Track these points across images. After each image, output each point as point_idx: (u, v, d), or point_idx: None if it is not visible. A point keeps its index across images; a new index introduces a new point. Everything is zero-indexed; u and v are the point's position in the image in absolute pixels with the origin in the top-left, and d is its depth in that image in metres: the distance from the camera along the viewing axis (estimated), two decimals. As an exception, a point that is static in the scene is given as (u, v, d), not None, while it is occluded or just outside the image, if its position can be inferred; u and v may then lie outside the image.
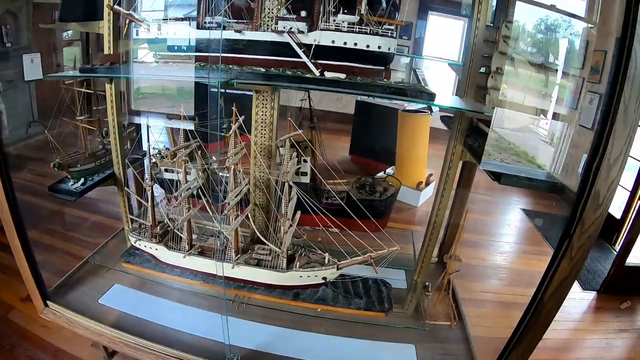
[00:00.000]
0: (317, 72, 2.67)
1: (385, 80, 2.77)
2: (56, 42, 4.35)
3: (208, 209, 3.25)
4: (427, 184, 6.18)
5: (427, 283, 3.96)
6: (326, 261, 3.24)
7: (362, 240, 3.13)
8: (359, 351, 3.34)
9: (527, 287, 5.08)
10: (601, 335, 4.83)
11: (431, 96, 2.60)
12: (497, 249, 5.77)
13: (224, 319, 3.15)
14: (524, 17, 2.94)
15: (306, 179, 3.59)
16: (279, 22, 2.71)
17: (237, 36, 2.76)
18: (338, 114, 7.64)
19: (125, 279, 3.84)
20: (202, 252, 3.45)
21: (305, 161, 3.55)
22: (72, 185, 3.66)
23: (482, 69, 3.18)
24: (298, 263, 3.23)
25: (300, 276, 3.24)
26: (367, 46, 2.67)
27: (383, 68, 2.80)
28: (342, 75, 2.62)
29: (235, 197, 3.15)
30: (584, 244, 2.34)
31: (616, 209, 6.20)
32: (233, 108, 2.96)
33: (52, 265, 4.07)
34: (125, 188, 3.74)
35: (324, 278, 3.26)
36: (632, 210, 5.93)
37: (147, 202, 3.51)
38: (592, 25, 2.87)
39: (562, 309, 5.23)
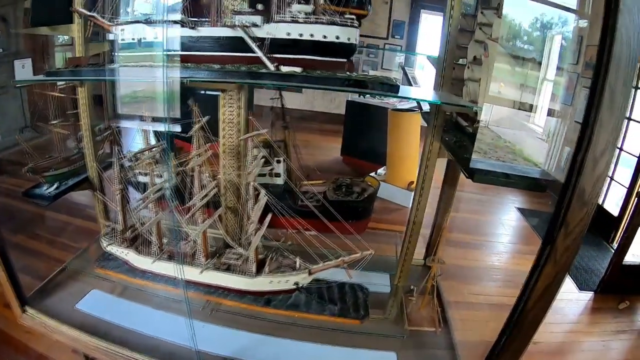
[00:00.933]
0: (271, 67, 2.34)
1: (347, 73, 2.41)
2: (49, 47, 4.10)
3: (175, 212, 2.95)
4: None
5: (411, 287, 3.59)
6: (297, 266, 2.92)
7: (343, 243, 2.82)
8: (336, 359, 3.00)
9: (519, 288, 4.70)
10: (598, 337, 4.40)
11: (393, 88, 2.24)
12: (491, 250, 5.36)
13: (188, 323, 2.84)
14: (513, 9, 2.59)
15: (280, 180, 3.26)
16: (234, 16, 2.39)
17: (192, 33, 2.45)
18: (331, 115, 7.31)
19: (104, 284, 3.55)
20: (172, 257, 3.14)
21: (279, 162, 3.24)
22: (45, 189, 3.40)
23: (460, 61, 2.82)
24: (267, 268, 2.91)
25: (270, 281, 2.92)
26: (324, 37, 2.34)
27: (345, 60, 2.45)
28: (298, 69, 2.29)
29: (202, 199, 2.84)
30: (570, 246, 2.00)
31: (613, 206, 5.74)
32: (194, 107, 2.66)
33: (33, 270, 3.82)
34: (97, 192, 3.45)
35: (296, 283, 2.93)
36: (629, 207, 5.46)
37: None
38: (585, 20, 2.56)
39: (557, 310, 4.77)
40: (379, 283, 3.60)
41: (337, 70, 2.40)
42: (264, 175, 3.22)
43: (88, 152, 3.51)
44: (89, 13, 2.91)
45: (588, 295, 4.95)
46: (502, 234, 5.80)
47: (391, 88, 2.23)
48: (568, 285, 5.01)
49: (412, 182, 5.80)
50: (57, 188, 3.41)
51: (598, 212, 4.77)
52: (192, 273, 3.04)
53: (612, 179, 6.09)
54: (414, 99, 2.47)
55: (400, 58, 7.71)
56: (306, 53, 2.39)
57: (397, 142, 5.75)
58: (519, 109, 2.70)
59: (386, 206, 5.75)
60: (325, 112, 7.59)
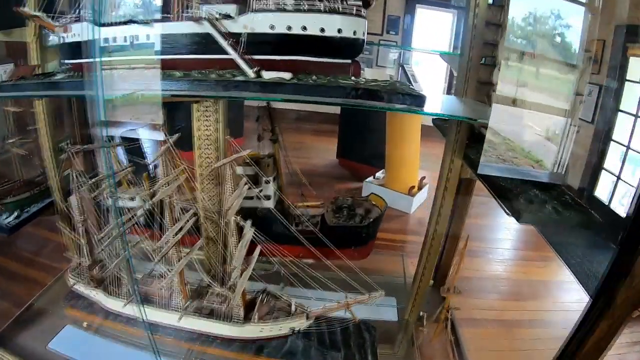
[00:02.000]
0: (250, 72, 1.63)
1: (353, 78, 1.73)
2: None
3: (146, 248, 2.29)
4: (420, 187, 5.13)
5: (421, 313, 2.96)
6: (292, 309, 2.28)
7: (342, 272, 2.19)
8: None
9: (532, 300, 4.08)
10: (614, 350, 3.80)
11: (419, 100, 1.57)
12: (494, 256, 4.72)
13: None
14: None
15: (269, 204, 2.60)
16: (200, 6, 1.68)
17: (146, 31, 1.74)
18: (327, 115, 6.60)
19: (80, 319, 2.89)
20: (147, 299, 2.49)
21: (267, 182, 2.57)
22: (4, 219, 2.73)
23: (482, 60, 2.15)
24: (257, 314, 2.27)
25: (261, 330, 2.28)
26: (322, 30, 1.64)
27: (349, 62, 1.77)
28: (287, 75, 1.60)
29: (175, 234, 2.18)
30: (630, 297, 1.68)
31: (625, 208, 5.10)
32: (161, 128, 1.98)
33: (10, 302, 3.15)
34: (59, 223, 2.75)
35: (292, 329, 2.30)
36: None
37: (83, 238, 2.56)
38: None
39: (566, 320, 4.10)
40: (384, 305, 2.99)
41: (339, 75, 1.70)
42: (251, 198, 2.56)
43: (50, 173, 2.81)
44: (32, 13, 2.21)
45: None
46: (504, 239, 5.16)
47: (414, 100, 1.55)
48: (578, 293, 4.40)
49: (413, 187, 5.16)
50: (17, 217, 2.73)
51: (610, 214, 4.19)
52: (170, 318, 2.40)
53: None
54: (448, 116, 1.80)
55: (395, 55, 7.03)
56: (297, 53, 1.68)
57: (396, 144, 5.09)
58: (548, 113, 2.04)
59: (387, 213, 5.09)
60: (321, 112, 6.88)
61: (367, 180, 5.40)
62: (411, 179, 5.13)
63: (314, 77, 1.61)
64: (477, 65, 1.99)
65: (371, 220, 2.71)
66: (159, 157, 1.98)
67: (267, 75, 1.59)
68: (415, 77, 4.36)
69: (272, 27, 1.64)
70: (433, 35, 6.87)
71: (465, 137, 2.14)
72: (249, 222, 2.19)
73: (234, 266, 2.07)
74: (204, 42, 1.68)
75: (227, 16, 1.63)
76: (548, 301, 4.06)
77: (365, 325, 2.53)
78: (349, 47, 1.73)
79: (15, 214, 2.82)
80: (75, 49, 1.97)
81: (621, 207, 2.81)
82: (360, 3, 1.64)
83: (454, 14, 6.49)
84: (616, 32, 2.41)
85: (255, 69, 1.62)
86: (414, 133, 5.06)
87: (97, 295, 2.60)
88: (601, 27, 1.83)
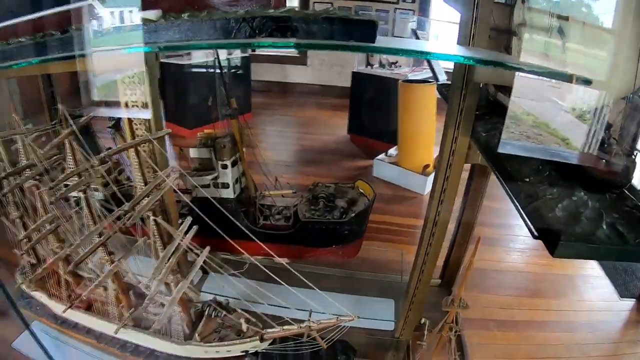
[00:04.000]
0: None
1: (267, 9, 0.98)
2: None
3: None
4: (435, 166, 4.31)
5: (422, 321, 2.28)
6: (244, 329, 1.68)
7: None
8: None
9: (554, 299, 3.25)
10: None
11: (367, 28, 0.81)
12: (505, 245, 3.84)
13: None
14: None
15: (229, 193, 1.97)
16: None
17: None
18: (341, 89, 5.80)
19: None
20: (90, 306, 1.98)
21: (225, 167, 1.93)
22: None
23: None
24: (198, 333, 1.70)
25: (206, 351, 1.71)
26: None
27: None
28: (154, 14, 0.91)
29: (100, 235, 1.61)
30: None
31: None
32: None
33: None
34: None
35: (245, 351, 1.71)
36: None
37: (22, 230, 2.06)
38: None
39: (595, 324, 3.14)
40: (379, 310, 2.36)
41: (248, 5, 0.99)
42: (207, 186, 1.94)
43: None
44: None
45: (630, 303, 3.41)
46: (516, 224, 4.21)
47: (360, 28, 0.79)
48: (607, 291, 3.50)
49: (427, 165, 4.37)
50: None
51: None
52: (109, 329, 1.89)
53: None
54: (417, 54, 1.03)
55: (413, 23, 6.08)
56: None
57: (409, 119, 4.28)
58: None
59: (398, 193, 4.37)
60: (333, 86, 6.09)
61: (378, 157, 4.64)
62: (426, 157, 4.32)
63: (205, 13, 0.90)
64: (489, 5, 1.21)
65: (354, 214, 2.02)
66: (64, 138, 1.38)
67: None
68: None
69: None
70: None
71: (473, 107, 1.38)
72: (185, 222, 1.59)
73: (152, 276, 1.48)
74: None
75: None
76: (572, 299, 3.25)
77: (342, 347, 1.89)
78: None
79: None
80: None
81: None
82: None
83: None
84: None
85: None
86: (428, 106, 4.21)
87: (41, 298, 2.13)
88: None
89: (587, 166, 0.98)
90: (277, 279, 1.66)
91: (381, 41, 0.91)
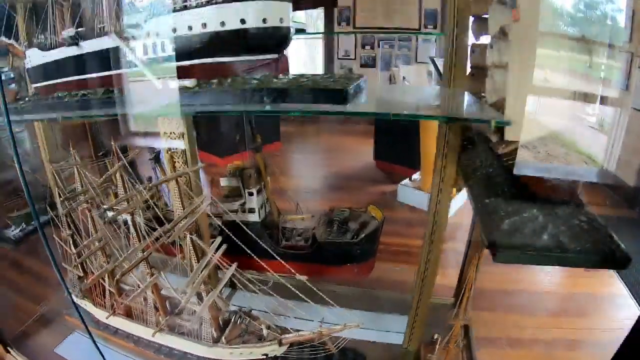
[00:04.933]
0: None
1: (277, 76, 1.30)
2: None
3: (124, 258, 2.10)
4: (459, 190, 4.41)
5: (434, 336, 2.42)
6: (265, 334, 1.94)
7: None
8: None
9: (576, 317, 3.20)
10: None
11: (337, 95, 1.11)
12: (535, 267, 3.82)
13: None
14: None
15: (255, 217, 2.28)
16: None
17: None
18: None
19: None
20: (129, 313, 2.32)
21: (251, 194, 2.25)
22: (12, 231, 2.78)
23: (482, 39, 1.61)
24: (225, 337, 1.97)
25: (231, 353, 1.97)
26: (222, 24, 1.26)
27: (276, 56, 1.35)
28: (190, 82, 1.24)
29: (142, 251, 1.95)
30: None
31: None
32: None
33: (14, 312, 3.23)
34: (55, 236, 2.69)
35: (265, 355, 1.96)
36: None
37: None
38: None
39: (615, 338, 3.17)
40: (392, 324, 2.51)
41: (260, 73, 1.30)
42: (235, 211, 2.27)
43: (53, 187, 2.79)
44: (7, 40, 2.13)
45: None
46: None
47: (333, 96, 1.10)
48: (633, 311, 3.39)
49: (449, 189, 4.48)
50: (22, 230, 2.77)
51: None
52: (146, 333, 2.20)
53: None
54: (378, 115, 1.27)
55: (432, 52, 6.31)
56: (205, 54, 1.30)
57: (430, 144, 4.44)
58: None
59: (420, 217, 4.49)
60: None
61: (402, 183, 4.82)
62: (447, 181, 4.45)
63: (229, 81, 1.22)
64: (464, 46, 1.46)
65: (363, 235, 2.26)
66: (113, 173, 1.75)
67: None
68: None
69: (174, 30, 1.30)
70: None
71: (458, 139, 1.61)
72: (216, 241, 1.90)
73: (183, 290, 1.78)
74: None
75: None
76: (596, 318, 3.19)
77: (354, 355, 2.09)
78: (267, 40, 1.31)
79: (21, 226, 2.86)
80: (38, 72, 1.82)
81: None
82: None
83: None
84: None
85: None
86: (449, 131, 4.38)
87: (87, 306, 2.50)
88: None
89: (537, 184, 1.18)
90: (299, 294, 1.92)
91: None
